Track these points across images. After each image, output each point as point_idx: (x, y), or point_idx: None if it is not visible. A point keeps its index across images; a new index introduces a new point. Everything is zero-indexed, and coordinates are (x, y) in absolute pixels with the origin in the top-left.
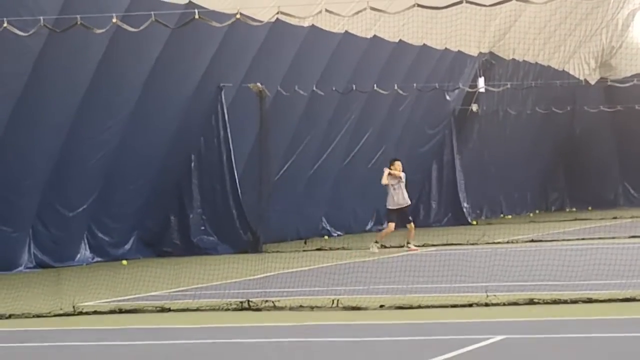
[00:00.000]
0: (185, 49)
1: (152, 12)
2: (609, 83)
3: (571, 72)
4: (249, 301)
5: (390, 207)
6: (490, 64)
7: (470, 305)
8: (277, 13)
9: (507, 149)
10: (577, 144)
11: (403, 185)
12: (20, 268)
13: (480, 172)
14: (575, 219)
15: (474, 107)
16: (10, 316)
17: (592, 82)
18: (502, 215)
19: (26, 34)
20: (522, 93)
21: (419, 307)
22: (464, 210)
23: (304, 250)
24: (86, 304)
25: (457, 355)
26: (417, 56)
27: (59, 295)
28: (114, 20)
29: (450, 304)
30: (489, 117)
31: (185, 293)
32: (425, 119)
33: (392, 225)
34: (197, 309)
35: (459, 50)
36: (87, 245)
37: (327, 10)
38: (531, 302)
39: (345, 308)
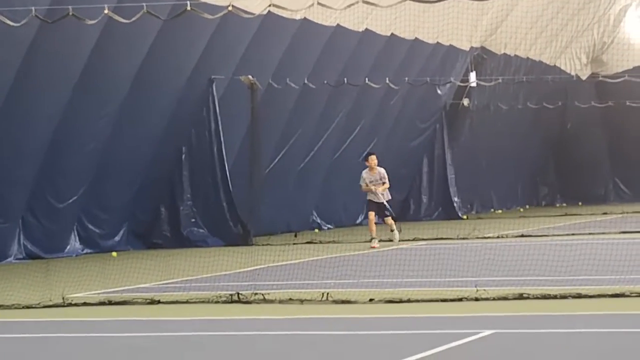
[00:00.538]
0: (177, 40)
1: (144, 4)
2: (600, 79)
3: (562, 68)
4: (238, 294)
5: (368, 198)
6: (481, 58)
7: (460, 300)
8: (269, 5)
9: (498, 144)
10: (568, 140)
11: (380, 185)
12: (9, 259)
13: (471, 167)
14: (566, 214)
15: (465, 102)
16: None
17: (584, 78)
18: (492, 210)
19: (17, 24)
20: (514, 88)
21: (409, 301)
22: (455, 204)
23: (294, 243)
24: (75, 295)
25: (446, 349)
26: (408, 50)
27: (48, 286)
28: (106, 11)
29: (440, 298)
30: (480, 112)
31: (175, 285)
32: (416, 113)
33: (371, 214)
34: (186, 302)
35: (450, 45)
36: (77, 237)
37: (319, 3)
38: (521, 297)
39: (335, 301)
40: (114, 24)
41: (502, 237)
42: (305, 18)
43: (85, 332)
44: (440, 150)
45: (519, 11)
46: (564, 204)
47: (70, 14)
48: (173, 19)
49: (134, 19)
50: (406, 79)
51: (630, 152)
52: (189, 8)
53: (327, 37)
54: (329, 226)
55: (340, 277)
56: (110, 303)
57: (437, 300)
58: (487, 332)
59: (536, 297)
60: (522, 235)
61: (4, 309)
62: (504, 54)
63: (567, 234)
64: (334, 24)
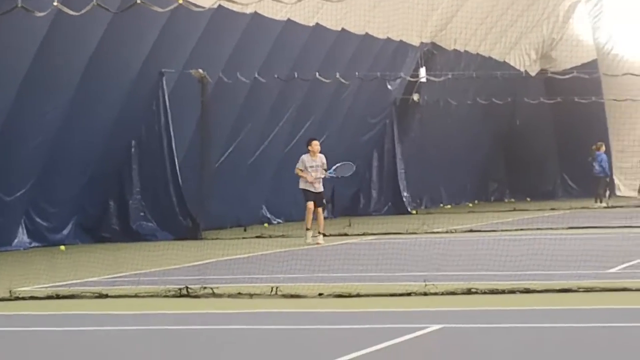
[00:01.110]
0: (126, 33)
1: None
2: (550, 75)
3: (512, 64)
4: (187, 288)
5: (304, 188)
6: (432, 54)
7: (409, 294)
8: None
9: (447, 139)
10: (517, 135)
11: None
12: None
13: (421, 162)
14: (514, 210)
15: (416, 97)
16: None
17: (533, 74)
18: (441, 205)
19: None
20: (463, 83)
21: (358, 295)
22: (404, 199)
23: (243, 238)
24: (23, 289)
25: (395, 343)
26: (359, 45)
27: None
28: (55, 3)
29: (389, 292)
30: (430, 107)
31: (123, 279)
32: (366, 108)
33: (310, 204)
34: (135, 295)
35: (401, 40)
36: (24, 230)
37: None
38: (469, 291)
39: (285, 296)
40: (63, 16)
41: (451, 232)
42: (255, 12)
43: (32, 326)
44: (390, 145)
45: (469, 7)
46: (513, 200)
47: (19, 5)
48: (123, 11)
49: (83, 11)
50: (357, 73)
51: (578, 149)
52: (138, 1)
53: (277, 32)
54: (279, 220)
55: (289, 272)
56: (58, 297)
57: (385, 295)
58: (435, 327)
59: (484, 292)
60: (471, 230)
61: None
62: (454, 49)
63: (516, 229)
64: (285, 19)
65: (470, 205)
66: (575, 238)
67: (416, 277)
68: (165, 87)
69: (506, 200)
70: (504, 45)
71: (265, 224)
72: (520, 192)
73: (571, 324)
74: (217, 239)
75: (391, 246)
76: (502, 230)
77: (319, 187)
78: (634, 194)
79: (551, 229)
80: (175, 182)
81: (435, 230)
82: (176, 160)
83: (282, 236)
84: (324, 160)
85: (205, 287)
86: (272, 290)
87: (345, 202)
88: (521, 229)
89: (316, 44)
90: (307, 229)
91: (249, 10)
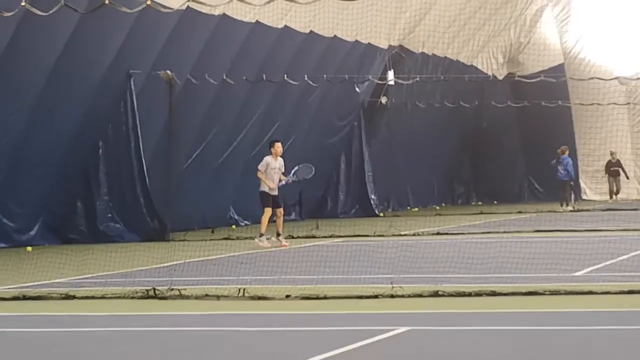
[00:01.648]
0: (94, 34)
1: None
2: (517, 78)
3: (479, 67)
4: (154, 289)
5: (264, 190)
6: (399, 56)
7: (376, 297)
8: (188, 0)
9: (415, 142)
10: (483, 139)
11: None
12: None
13: (388, 165)
14: (481, 213)
15: (383, 100)
16: None
17: (500, 78)
18: (409, 208)
19: None
20: (431, 86)
21: (325, 297)
22: (372, 201)
23: (211, 239)
24: None
25: (362, 345)
26: (327, 47)
27: None
28: (23, 3)
29: (356, 294)
30: (397, 110)
31: (90, 280)
32: (334, 110)
33: (269, 210)
34: (102, 297)
35: (369, 43)
36: None
37: None
38: (436, 294)
39: (252, 297)
40: (30, 16)
41: (418, 234)
42: (224, 14)
43: None
44: (358, 148)
45: (437, 10)
46: (480, 203)
47: None
48: (91, 12)
49: (51, 11)
50: (324, 76)
51: (544, 152)
52: (106, 1)
53: (246, 34)
54: (246, 222)
55: (256, 274)
56: (24, 298)
57: (353, 297)
58: (402, 329)
59: (451, 295)
60: (438, 233)
61: None
62: (422, 52)
63: (482, 232)
64: (253, 20)
65: (438, 208)
66: (542, 241)
67: (383, 279)
68: (133, 88)
69: (473, 203)
70: (471, 48)
71: (233, 226)
72: (487, 195)
73: (537, 327)
74: (184, 240)
75: (358, 248)
76: (468, 233)
77: (276, 190)
78: (600, 197)
79: (518, 232)
80: (143, 184)
81: (402, 232)
82: (144, 162)
83: (250, 238)
84: (283, 164)
85: (172, 289)
86: (239, 292)
87: (313, 204)
88: (488, 232)
89: (284, 46)
90: (262, 234)
91: (217, 11)
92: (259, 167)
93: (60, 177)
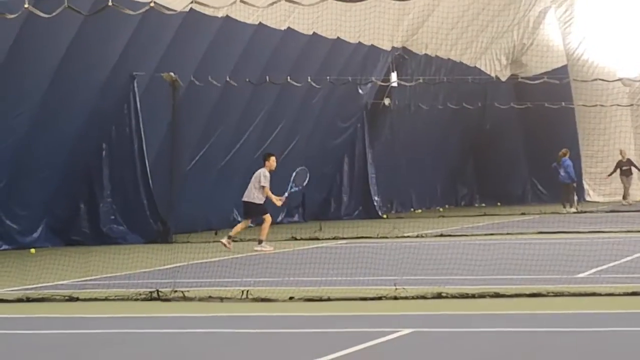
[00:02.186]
0: (98, 36)
1: None
2: (520, 80)
3: (482, 69)
4: (158, 291)
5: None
6: (403, 58)
7: (379, 299)
8: (192, 2)
9: (418, 144)
10: (487, 140)
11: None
12: None
13: (392, 167)
14: (484, 214)
15: (386, 102)
16: None
17: (503, 79)
18: (412, 210)
19: None
20: (434, 88)
21: (329, 299)
22: (375, 203)
23: (214, 241)
24: None
25: (365, 347)
26: (330, 49)
27: None
28: (26, 5)
29: (360, 296)
30: (400, 112)
31: (94, 282)
32: (337, 112)
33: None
34: (105, 299)
35: (372, 45)
36: None
37: (241, 1)
38: (439, 296)
39: (255, 299)
40: (34, 18)
41: (422, 236)
42: (227, 16)
43: (2, 329)
44: (361, 150)
45: (440, 12)
46: (483, 204)
47: None
48: (94, 14)
49: (54, 13)
50: (328, 78)
51: (547, 154)
52: (110, 3)
53: (249, 35)
54: (250, 225)
55: (260, 275)
56: (28, 300)
57: (356, 299)
58: (405, 331)
59: (454, 297)
60: (442, 235)
61: None
62: (425, 54)
63: (486, 234)
64: (256, 22)
65: (441, 209)
66: (545, 243)
67: (387, 281)
68: (136, 90)
69: (476, 204)
70: (474, 50)
71: None
72: (490, 196)
73: (540, 329)
74: (187, 242)
75: (362, 250)
76: (472, 235)
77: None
78: (603, 199)
79: (521, 233)
80: (146, 186)
81: (405, 234)
82: (147, 164)
83: (253, 240)
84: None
85: (176, 291)
86: (242, 294)
87: (316, 206)
88: (491, 234)
89: (287, 47)
90: (261, 241)
91: (220, 13)
92: (265, 184)
93: (63, 179)
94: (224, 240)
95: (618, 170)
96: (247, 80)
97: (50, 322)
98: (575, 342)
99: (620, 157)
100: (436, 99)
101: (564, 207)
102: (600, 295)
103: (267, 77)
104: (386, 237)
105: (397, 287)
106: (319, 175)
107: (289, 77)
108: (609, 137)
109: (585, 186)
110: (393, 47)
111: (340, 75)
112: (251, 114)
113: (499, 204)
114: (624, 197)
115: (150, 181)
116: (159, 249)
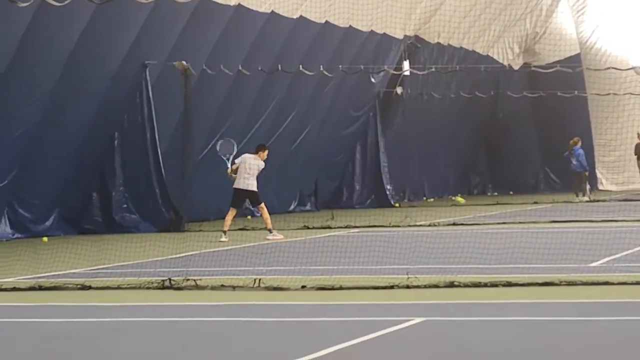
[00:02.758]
0: (110, 25)
1: None
2: (533, 69)
3: (495, 57)
4: (170, 280)
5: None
6: (415, 47)
7: (392, 287)
8: None
9: (430, 133)
10: (499, 129)
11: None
12: None
13: (404, 155)
14: (497, 203)
15: (399, 90)
16: None
17: (516, 68)
18: (424, 198)
19: None
20: (446, 77)
21: (341, 288)
22: (387, 192)
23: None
24: (5, 280)
25: (377, 336)
26: (342, 38)
27: None
28: None
29: (372, 285)
30: (413, 100)
31: (106, 271)
32: (349, 101)
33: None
34: (118, 287)
35: (384, 33)
36: (7, 221)
37: None
38: (451, 284)
39: (267, 288)
40: (46, 6)
41: (434, 225)
42: (239, 4)
43: (15, 317)
44: (374, 139)
45: (453, 0)
46: (495, 193)
47: None
48: (106, 2)
49: (67, 1)
50: (340, 66)
51: (560, 143)
52: None
53: (261, 24)
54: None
55: (272, 264)
56: (40, 288)
57: (368, 288)
58: (418, 320)
59: (467, 285)
60: (454, 224)
61: None
62: (438, 43)
63: (498, 223)
64: (269, 11)
65: (453, 198)
66: (558, 232)
67: (399, 270)
68: (148, 78)
69: (489, 194)
70: (487, 38)
71: (249, 217)
72: (503, 185)
73: (553, 317)
74: (200, 231)
75: (374, 239)
76: (484, 224)
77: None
78: (617, 187)
79: (534, 222)
80: (158, 174)
81: (418, 223)
82: (159, 152)
83: (265, 229)
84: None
85: (188, 279)
86: (254, 283)
87: (328, 195)
88: (504, 223)
89: (300, 36)
90: (271, 230)
91: (232, 2)
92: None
93: (76, 168)
94: (222, 239)
95: (635, 157)
96: (259, 69)
97: (63, 310)
98: (587, 331)
99: (638, 141)
100: (448, 88)
101: (577, 196)
102: (612, 284)
103: (279, 66)
104: (398, 226)
105: (410, 275)
106: (331, 164)
107: (301, 66)
108: (622, 126)
109: (598, 175)
110: (405, 36)
111: (352, 64)
112: (263, 102)
113: (511, 192)
114: None
115: (162, 170)
116: (171, 238)
